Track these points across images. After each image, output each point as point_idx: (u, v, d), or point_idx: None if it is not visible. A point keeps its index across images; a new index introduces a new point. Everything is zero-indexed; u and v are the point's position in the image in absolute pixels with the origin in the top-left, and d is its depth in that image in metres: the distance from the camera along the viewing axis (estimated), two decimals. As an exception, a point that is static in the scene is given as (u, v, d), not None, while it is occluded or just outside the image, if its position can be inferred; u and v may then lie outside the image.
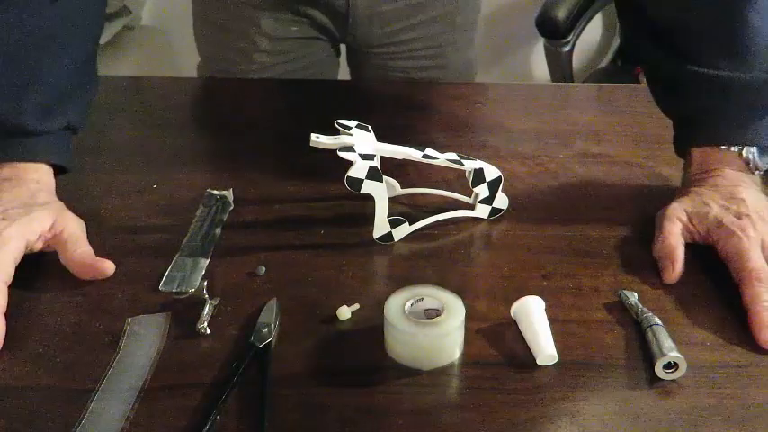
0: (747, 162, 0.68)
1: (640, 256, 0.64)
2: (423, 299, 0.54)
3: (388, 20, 1.00)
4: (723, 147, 0.68)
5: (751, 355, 0.54)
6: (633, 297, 0.58)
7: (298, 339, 0.55)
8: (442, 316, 0.53)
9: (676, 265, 0.61)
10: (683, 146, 0.72)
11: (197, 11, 1.06)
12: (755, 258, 0.59)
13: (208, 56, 1.08)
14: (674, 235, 0.63)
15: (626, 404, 0.50)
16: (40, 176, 0.66)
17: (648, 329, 0.54)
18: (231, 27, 1.02)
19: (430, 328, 0.52)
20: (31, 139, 0.66)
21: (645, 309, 0.57)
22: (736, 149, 0.68)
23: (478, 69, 1.13)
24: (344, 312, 0.57)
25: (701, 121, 0.70)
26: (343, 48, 1.09)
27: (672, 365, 0.52)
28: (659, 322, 0.55)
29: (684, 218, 0.64)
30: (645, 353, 0.54)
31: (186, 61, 2.17)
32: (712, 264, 0.63)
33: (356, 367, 0.53)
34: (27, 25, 0.65)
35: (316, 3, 0.97)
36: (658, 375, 0.52)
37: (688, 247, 0.63)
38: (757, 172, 0.68)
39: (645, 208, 0.69)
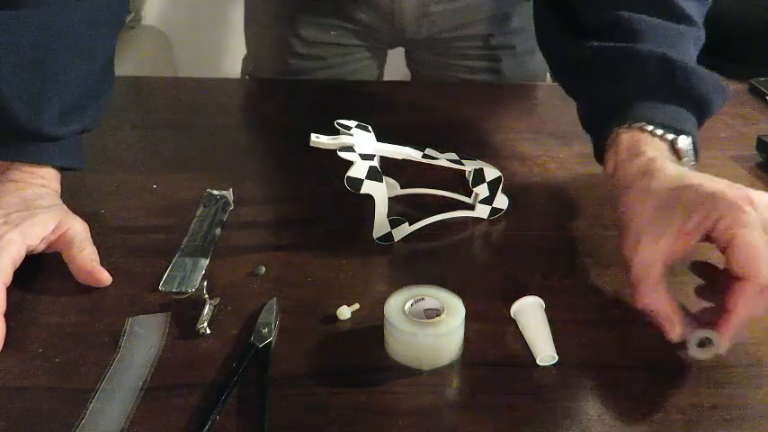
0: (682, 156, 0.60)
1: (640, 256, 0.64)
2: (423, 299, 0.54)
3: (438, 22, 0.99)
4: (654, 129, 0.60)
5: (751, 355, 0.54)
6: None
7: (298, 339, 0.55)
8: (441, 316, 0.53)
9: (671, 324, 0.52)
10: (605, 129, 0.63)
11: (247, 5, 1.06)
12: (765, 262, 0.49)
13: (250, 52, 1.09)
14: (651, 288, 0.53)
15: (626, 404, 0.50)
16: (47, 179, 0.65)
17: None
18: (272, 27, 1.02)
19: (430, 328, 0.52)
20: (45, 144, 0.65)
21: None
22: (671, 136, 0.60)
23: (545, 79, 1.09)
24: (344, 312, 0.57)
25: (631, 98, 0.62)
26: (391, 54, 1.09)
27: (706, 342, 0.51)
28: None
29: (665, 245, 0.53)
30: (644, 353, 0.54)
31: (186, 61, 2.19)
32: (712, 263, 0.63)
33: (356, 367, 0.53)
34: (53, 27, 0.64)
35: (360, 1, 0.96)
36: (693, 355, 0.51)
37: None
38: (690, 164, 0.61)
39: (645, 208, 0.69)
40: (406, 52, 1.10)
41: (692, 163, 0.61)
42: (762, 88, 0.96)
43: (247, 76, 1.10)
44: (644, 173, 0.56)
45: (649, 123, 0.60)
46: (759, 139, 0.80)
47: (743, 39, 1.49)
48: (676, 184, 0.54)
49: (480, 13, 1.00)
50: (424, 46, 1.05)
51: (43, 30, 0.63)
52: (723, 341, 0.50)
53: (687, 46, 0.63)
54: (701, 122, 0.64)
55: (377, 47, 1.04)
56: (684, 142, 0.60)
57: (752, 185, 0.75)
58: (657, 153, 0.58)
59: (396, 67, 1.14)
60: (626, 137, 0.61)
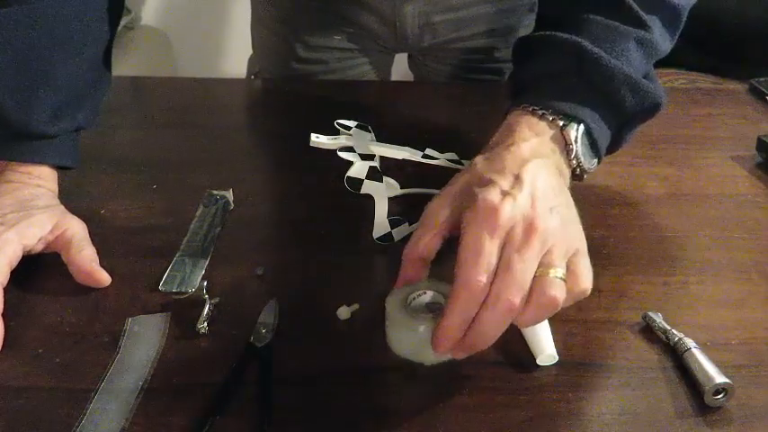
0: (568, 143, 0.57)
1: (641, 255, 0.64)
2: (424, 293, 0.54)
3: (440, 31, 0.99)
4: (542, 112, 0.57)
5: (751, 355, 0.54)
6: (659, 318, 0.56)
7: (298, 339, 0.55)
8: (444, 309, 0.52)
9: (401, 275, 0.54)
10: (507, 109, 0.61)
11: (254, 7, 1.06)
12: (478, 265, 0.47)
13: (256, 54, 1.09)
14: (416, 245, 0.54)
15: (626, 404, 0.50)
16: (43, 180, 0.65)
17: (686, 354, 0.53)
18: (276, 30, 1.02)
19: (432, 321, 0.51)
20: (39, 142, 0.65)
21: (674, 331, 0.55)
22: (561, 122, 0.57)
23: None
24: (344, 312, 0.57)
25: (534, 81, 0.61)
26: (396, 59, 1.09)
27: (721, 391, 0.50)
28: (695, 344, 0.53)
29: (441, 217, 0.54)
30: (644, 354, 0.54)
31: (186, 61, 2.19)
32: (711, 264, 0.63)
33: (356, 367, 0.53)
34: (41, 23, 0.63)
35: (364, 7, 0.96)
36: (707, 403, 0.50)
37: (689, 245, 0.63)
38: (574, 162, 0.58)
39: (645, 208, 0.69)
40: (409, 57, 1.10)
41: (580, 156, 0.58)
42: (762, 88, 0.96)
43: (253, 77, 1.10)
44: (490, 152, 0.56)
45: (540, 106, 0.58)
46: (759, 139, 0.80)
47: (743, 39, 1.49)
48: (484, 173, 0.53)
49: (484, 25, 1.00)
50: (428, 54, 1.05)
51: (32, 27, 0.63)
52: (434, 343, 0.48)
53: (623, 46, 0.60)
54: (622, 124, 0.62)
55: (380, 53, 1.04)
56: (573, 130, 0.58)
57: (752, 185, 0.75)
58: (532, 136, 0.56)
59: (397, 67, 1.14)
60: (513, 116, 0.59)
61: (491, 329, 0.47)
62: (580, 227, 0.52)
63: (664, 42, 0.64)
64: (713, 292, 0.61)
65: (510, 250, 0.48)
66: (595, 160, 0.61)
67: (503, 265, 0.47)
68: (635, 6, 0.61)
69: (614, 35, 0.60)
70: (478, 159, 0.56)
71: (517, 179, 0.52)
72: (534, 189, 0.51)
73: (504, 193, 0.50)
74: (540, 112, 0.58)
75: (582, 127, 0.58)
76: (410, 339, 0.51)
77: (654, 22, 0.62)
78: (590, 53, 0.59)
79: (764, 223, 0.70)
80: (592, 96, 0.59)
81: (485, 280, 0.47)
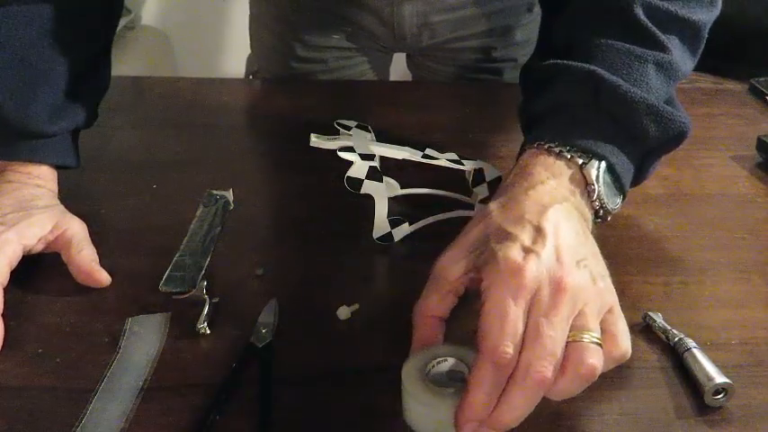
0: (589, 183, 0.52)
1: (640, 255, 0.64)
2: (445, 360, 0.47)
3: (438, 31, 0.99)
4: (560, 150, 0.53)
5: (751, 355, 0.54)
6: (659, 318, 0.56)
7: (298, 339, 0.55)
8: (467, 380, 0.45)
9: (415, 337, 0.50)
10: (522, 148, 0.57)
11: (251, 6, 1.06)
12: (508, 332, 0.43)
13: (254, 53, 1.09)
14: (427, 303, 0.50)
15: (626, 404, 0.50)
16: (43, 180, 0.65)
17: (687, 354, 0.53)
18: (274, 29, 1.02)
19: (455, 395, 0.44)
20: (37, 141, 0.65)
21: (674, 331, 0.55)
22: (581, 160, 0.52)
23: None
24: (344, 312, 0.57)
25: (550, 117, 0.56)
26: (395, 59, 1.09)
27: (721, 391, 0.50)
28: (695, 344, 0.53)
29: (455, 273, 0.49)
30: (644, 354, 0.54)
31: (186, 61, 2.19)
32: (711, 264, 0.63)
33: (356, 367, 0.53)
34: (39, 23, 0.64)
35: (362, 7, 0.96)
36: (707, 403, 0.50)
37: (689, 245, 0.63)
38: (597, 203, 0.53)
39: (644, 207, 0.69)
40: (408, 57, 1.10)
41: (602, 196, 0.53)
42: (762, 88, 0.96)
43: (251, 76, 1.10)
44: (505, 198, 0.51)
45: (554, 143, 0.54)
46: (759, 139, 0.80)
47: (743, 39, 1.49)
48: (500, 224, 0.49)
49: (482, 25, 1.00)
50: (426, 54, 1.05)
51: (30, 26, 0.63)
52: (458, 424, 0.43)
53: (641, 71, 0.55)
54: (639, 155, 0.57)
55: (379, 52, 1.04)
56: (594, 168, 0.53)
57: (752, 185, 0.75)
58: (549, 178, 0.52)
59: (396, 67, 1.14)
60: (526, 157, 0.54)
61: (521, 405, 0.43)
62: (610, 280, 0.48)
63: (684, 63, 0.59)
64: (713, 292, 0.61)
65: (537, 315, 0.43)
66: (619, 199, 0.56)
67: (531, 333, 0.43)
68: (651, 26, 0.57)
69: (631, 60, 0.55)
70: (494, 207, 0.51)
71: (539, 231, 0.47)
72: (558, 241, 0.47)
73: (527, 250, 0.46)
74: (556, 150, 0.53)
75: (603, 164, 0.53)
76: (431, 416, 0.46)
77: (672, 42, 0.58)
78: (607, 82, 0.54)
79: (764, 223, 0.70)
80: (611, 129, 0.54)
81: (512, 350, 0.42)
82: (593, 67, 0.55)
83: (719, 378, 0.50)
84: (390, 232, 0.65)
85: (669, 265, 0.64)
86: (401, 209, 0.69)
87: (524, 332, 0.43)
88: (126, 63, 1.83)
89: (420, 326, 0.50)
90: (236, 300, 0.58)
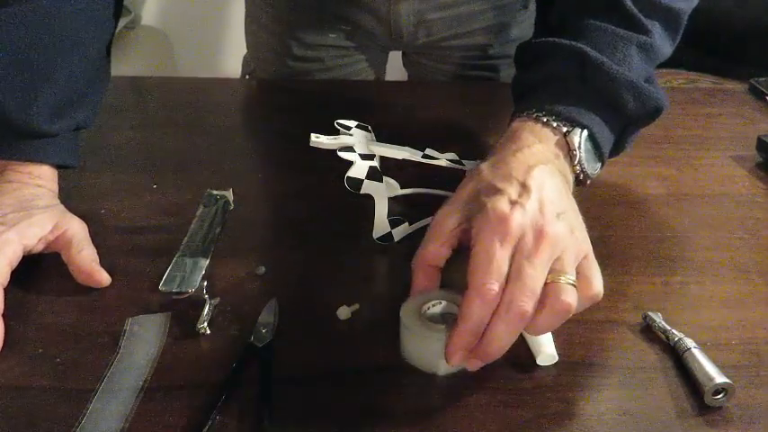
0: (571, 149, 0.58)
1: (640, 255, 0.64)
2: (439, 303, 0.54)
3: (435, 29, 0.99)
4: (546, 119, 0.58)
5: (751, 355, 0.54)
6: (659, 318, 0.56)
7: (298, 339, 0.55)
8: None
9: (414, 283, 0.54)
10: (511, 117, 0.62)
11: (248, 6, 1.06)
12: (489, 273, 0.48)
13: (250, 53, 1.09)
14: (425, 253, 0.54)
15: (626, 404, 0.50)
16: (43, 180, 0.65)
17: (686, 354, 0.53)
18: (272, 28, 1.02)
19: (446, 332, 0.51)
20: (38, 141, 0.65)
21: (674, 331, 0.55)
22: (565, 128, 0.58)
23: None
24: (344, 312, 0.57)
25: (538, 88, 0.61)
26: (391, 55, 1.09)
27: (721, 391, 0.50)
28: (695, 344, 0.53)
29: (450, 225, 0.54)
30: (644, 354, 0.54)
31: (186, 61, 2.19)
32: (711, 264, 0.63)
33: (356, 367, 0.53)
34: (40, 22, 0.64)
35: (359, 6, 0.96)
36: (707, 403, 0.50)
37: (689, 245, 0.63)
38: (578, 168, 0.59)
39: (645, 208, 0.69)
40: (404, 55, 1.10)
41: (583, 161, 0.58)
42: (762, 88, 0.96)
43: (247, 76, 1.10)
44: (495, 159, 0.57)
45: (544, 113, 0.59)
46: (759, 139, 0.80)
47: (743, 39, 1.49)
48: (491, 181, 0.54)
49: (478, 23, 1.00)
50: (422, 52, 1.05)
51: (32, 26, 0.63)
52: (448, 353, 0.49)
53: (624, 51, 0.61)
54: (618, 127, 0.62)
55: (376, 50, 1.05)
56: (577, 135, 0.58)
57: (752, 185, 0.75)
58: (535, 142, 0.57)
59: (395, 67, 1.14)
60: (515, 124, 0.60)
61: (504, 337, 0.48)
62: (586, 232, 0.53)
63: (664, 46, 0.65)
64: (713, 292, 0.61)
65: (521, 258, 0.48)
66: (598, 165, 0.61)
67: (514, 273, 0.48)
68: (636, 12, 0.62)
69: (616, 40, 0.61)
70: (484, 166, 0.56)
71: (524, 187, 0.52)
72: (541, 196, 0.52)
73: (514, 203, 0.51)
74: (543, 119, 0.59)
75: (585, 132, 0.59)
76: (424, 349, 0.52)
77: (654, 27, 0.63)
78: (593, 59, 0.59)
79: (764, 223, 0.70)
80: (595, 102, 0.60)
81: (497, 288, 0.47)
82: (580, 45, 0.60)
83: (719, 378, 0.50)
84: (390, 232, 0.65)
85: (669, 265, 0.64)
86: (401, 209, 0.69)
87: (508, 273, 0.48)
88: (126, 63, 1.83)
89: (418, 274, 0.54)
90: (236, 300, 0.58)
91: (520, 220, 0.50)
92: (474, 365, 0.49)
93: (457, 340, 0.48)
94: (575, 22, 0.63)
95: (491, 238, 0.49)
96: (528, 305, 0.47)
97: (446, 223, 0.54)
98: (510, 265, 0.48)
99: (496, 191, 0.52)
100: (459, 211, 0.54)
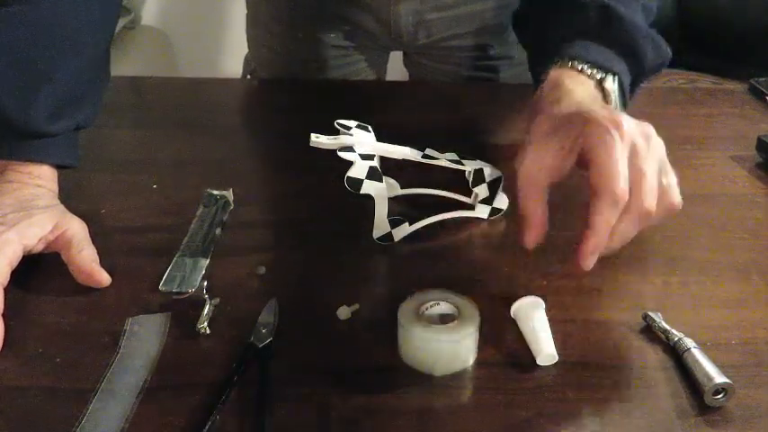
0: (606, 94, 0.63)
1: (640, 255, 0.64)
2: (437, 303, 0.54)
3: (434, 29, 0.99)
4: (582, 67, 0.63)
5: (751, 355, 0.54)
6: (659, 318, 0.56)
7: (298, 339, 0.55)
8: (456, 321, 0.52)
9: (531, 231, 0.56)
10: (541, 71, 0.66)
11: (248, 6, 1.06)
12: (622, 177, 0.51)
13: (251, 53, 1.09)
14: (531, 195, 0.56)
15: (626, 404, 0.50)
16: (43, 180, 0.65)
17: (686, 354, 0.53)
18: (272, 29, 1.02)
19: (444, 333, 0.51)
20: (38, 141, 0.65)
21: (674, 331, 0.55)
22: (599, 75, 0.63)
23: None
24: (344, 312, 0.57)
25: (568, 39, 0.66)
26: (391, 54, 1.09)
27: (721, 391, 0.50)
28: (695, 344, 0.53)
29: (547, 160, 0.55)
30: (644, 354, 0.54)
31: (186, 61, 2.19)
32: (711, 264, 0.63)
33: (356, 367, 0.53)
34: (40, 23, 0.64)
35: (359, 6, 0.96)
36: (707, 403, 0.50)
37: (689, 245, 0.63)
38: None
39: (645, 208, 0.69)
40: (405, 55, 1.10)
41: (617, 105, 0.64)
42: (762, 88, 0.96)
43: (248, 76, 1.10)
44: (555, 101, 0.60)
45: (578, 61, 0.63)
46: (759, 139, 0.80)
47: (743, 39, 1.49)
48: (571, 110, 0.57)
49: (478, 23, 1.00)
50: (422, 52, 1.05)
51: (31, 26, 0.63)
52: (581, 257, 0.52)
53: (635, 7, 0.67)
54: (636, 73, 0.67)
55: (376, 50, 1.05)
56: (610, 82, 0.64)
57: (752, 185, 0.75)
58: (578, 87, 0.62)
59: (396, 67, 1.14)
60: (554, 73, 0.64)
61: (630, 233, 0.52)
62: None
63: (653, 7, 0.71)
64: (713, 292, 0.61)
65: (640, 160, 0.51)
66: (623, 109, 0.65)
67: (638, 174, 0.51)
68: None
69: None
70: (547, 110, 0.59)
71: (603, 107, 0.57)
72: (619, 111, 0.56)
73: (612, 113, 0.54)
74: (578, 67, 0.63)
75: (616, 78, 0.64)
76: (422, 350, 0.52)
77: None
78: (617, 13, 0.65)
79: (764, 223, 0.70)
80: (619, 51, 0.65)
81: (626, 187, 0.50)
82: (603, 1, 0.66)
83: (719, 378, 0.50)
84: (390, 232, 0.65)
85: (669, 265, 0.64)
86: (401, 209, 0.69)
87: (630, 174, 0.51)
88: (126, 63, 1.83)
89: (532, 198, 0.55)
90: (236, 300, 0.58)
91: (630, 124, 0.52)
92: (591, 263, 0.52)
93: (592, 247, 0.51)
94: None
95: (612, 142, 0.51)
96: (654, 204, 0.51)
97: (546, 155, 0.55)
98: (629, 167, 0.51)
99: (587, 111, 0.55)
100: (552, 140, 0.55)
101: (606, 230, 0.51)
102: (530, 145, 0.57)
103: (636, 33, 0.65)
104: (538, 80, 0.67)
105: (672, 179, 0.54)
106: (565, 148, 0.54)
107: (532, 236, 0.55)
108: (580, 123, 0.54)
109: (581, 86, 0.62)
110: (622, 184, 0.50)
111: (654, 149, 0.53)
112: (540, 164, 0.55)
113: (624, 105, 0.66)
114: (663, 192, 0.53)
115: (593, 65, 0.63)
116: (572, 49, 0.65)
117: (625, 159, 0.51)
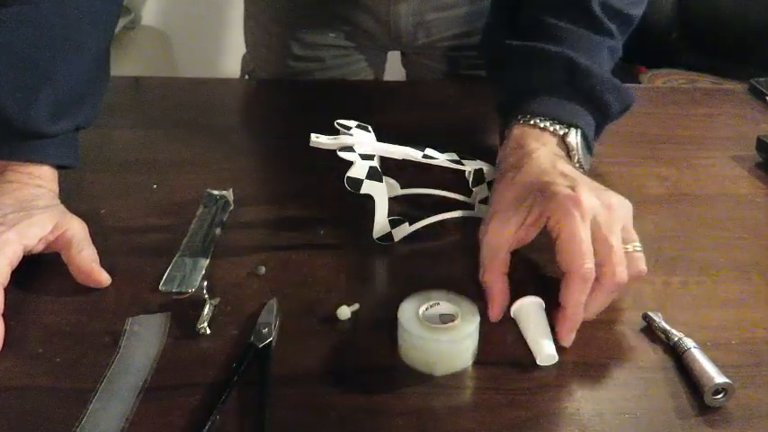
0: (570, 149, 0.64)
1: (640, 256, 0.64)
2: (438, 303, 0.54)
3: (434, 30, 0.99)
4: (545, 124, 0.64)
5: (751, 354, 0.54)
6: (659, 318, 0.56)
7: (298, 339, 0.55)
8: (456, 321, 0.52)
9: (494, 304, 0.56)
10: (506, 122, 0.68)
11: (247, 6, 1.06)
12: (587, 256, 0.52)
13: (250, 53, 1.09)
14: (493, 270, 0.57)
15: (626, 404, 0.50)
16: (43, 180, 0.65)
17: (686, 354, 0.53)
18: (271, 29, 1.02)
19: (444, 333, 0.51)
20: (38, 142, 0.65)
21: (674, 331, 0.55)
22: (562, 131, 0.64)
23: None
24: (344, 312, 0.57)
25: (532, 94, 0.66)
26: (390, 54, 1.09)
27: (721, 391, 0.50)
28: (695, 344, 0.53)
29: (512, 228, 0.57)
30: (644, 354, 0.54)
31: (186, 61, 2.19)
32: (711, 264, 0.63)
33: (356, 367, 0.53)
34: (41, 23, 0.64)
35: (358, 6, 0.96)
36: (707, 403, 0.50)
37: (689, 245, 0.63)
38: (577, 164, 0.64)
39: (644, 208, 0.69)
40: (403, 55, 1.10)
41: (581, 158, 0.64)
42: (762, 88, 0.96)
43: (247, 76, 1.10)
44: (516, 165, 0.61)
45: (541, 118, 0.64)
46: (759, 139, 0.80)
47: (743, 39, 1.49)
48: (533, 179, 0.58)
49: (477, 23, 1.00)
50: (421, 52, 1.05)
51: (32, 26, 0.63)
52: (561, 337, 0.53)
53: (601, 55, 0.67)
54: (602, 123, 0.68)
55: (375, 50, 1.05)
56: (573, 136, 0.64)
57: (752, 185, 0.75)
58: (541, 148, 0.62)
59: (395, 67, 1.14)
60: (517, 131, 0.65)
61: (604, 304, 0.54)
62: None
63: (620, 47, 0.71)
64: (713, 292, 0.61)
65: (603, 232, 0.53)
66: (590, 158, 0.66)
67: (604, 247, 0.52)
68: (603, 16, 0.67)
69: (593, 45, 0.67)
70: (508, 175, 0.60)
71: (565, 176, 0.57)
72: (581, 178, 0.57)
73: (571, 187, 0.55)
74: (541, 124, 0.64)
75: (579, 132, 0.64)
76: (423, 350, 0.52)
77: (615, 31, 0.69)
78: (581, 66, 0.65)
79: (764, 223, 0.70)
80: (584, 103, 0.66)
81: (593, 266, 0.52)
82: (567, 52, 0.65)
83: (719, 378, 0.50)
84: (390, 232, 0.65)
85: (669, 265, 0.64)
86: (401, 209, 0.69)
87: (595, 249, 0.52)
88: (126, 63, 1.83)
89: (497, 284, 0.56)
90: (236, 300, 0.58)
91: (588, 197, 0.54)
92: (572, 339, 0.53)
93: (569, 324, 0.53)
94: (550, 27, 0.67)
95: (573, 222, 0.53)
96: (625, 273, 0.53)
97: (507, 228, 0.57)
98: (595, 242, 0.52)
99: (549, 183, 0.56)
100: (514, 213, 0.57)
101: (579, 307, 0.53)
102: (493, 215, 0.58)
103: (600, 85, 0.65)
104: (501, 130, 0.70)
105: (637, 245, 0.56)
106: (527, 222, 0.57)
107: (495, 310, 0.56)
108: (541, 200, 0.56)
109: (543, 147, 0.62)
110: (588, 264, 0.52)
111: (616, 218, 0.54)
112: (503, 236, 0.57)
113: (590, 153, 0.67)
114: (630, 259, 0.54)
115: (555, 120, 0.64)
116: (535, 105, 0.65)
117: (588, 237, 0.53)
